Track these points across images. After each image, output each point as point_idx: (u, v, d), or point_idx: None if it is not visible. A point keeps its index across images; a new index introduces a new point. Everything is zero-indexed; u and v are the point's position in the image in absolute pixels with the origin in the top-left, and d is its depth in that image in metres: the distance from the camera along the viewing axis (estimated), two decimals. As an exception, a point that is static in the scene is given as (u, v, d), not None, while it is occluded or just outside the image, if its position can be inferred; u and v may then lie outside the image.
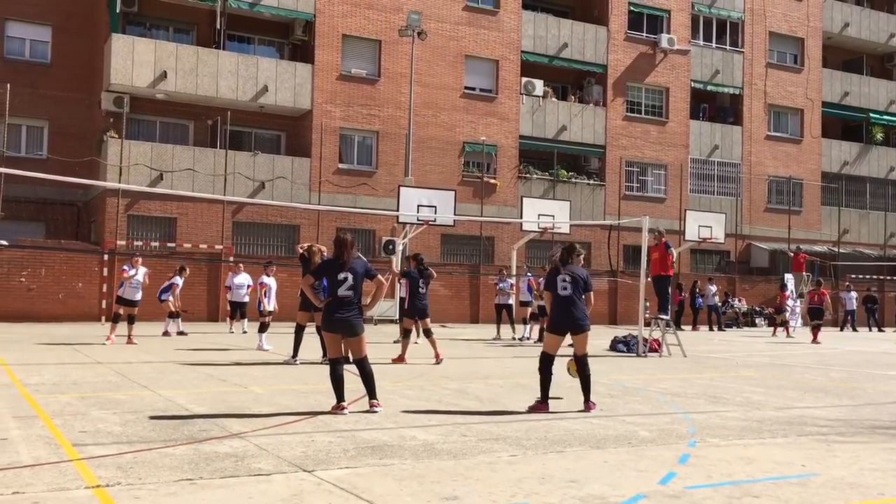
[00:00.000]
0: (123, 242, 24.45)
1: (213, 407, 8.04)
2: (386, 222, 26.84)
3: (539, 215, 23.80)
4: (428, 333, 13.65)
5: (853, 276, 34.81)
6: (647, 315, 17.48)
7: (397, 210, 21.58)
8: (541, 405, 8.21)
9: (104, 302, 23.26)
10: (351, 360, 8.13)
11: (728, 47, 35.30)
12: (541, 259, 27.77)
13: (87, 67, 28.00)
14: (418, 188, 23.15)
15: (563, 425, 7.39)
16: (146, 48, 25.69)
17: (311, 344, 13.27)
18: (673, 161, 33.64)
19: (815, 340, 21.86)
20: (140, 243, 24.90)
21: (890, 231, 38.21)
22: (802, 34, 36.85)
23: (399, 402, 8.59)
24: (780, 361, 15.49)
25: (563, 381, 9.23)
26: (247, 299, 19.85)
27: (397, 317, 20.68)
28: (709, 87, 34.93)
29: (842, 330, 30.72)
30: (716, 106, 36.05)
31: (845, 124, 39.56)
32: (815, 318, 22.58)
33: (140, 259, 16.40)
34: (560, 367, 8.56)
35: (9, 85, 24.61)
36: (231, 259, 25.10)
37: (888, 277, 36.55)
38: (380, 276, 8.34)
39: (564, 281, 8.27)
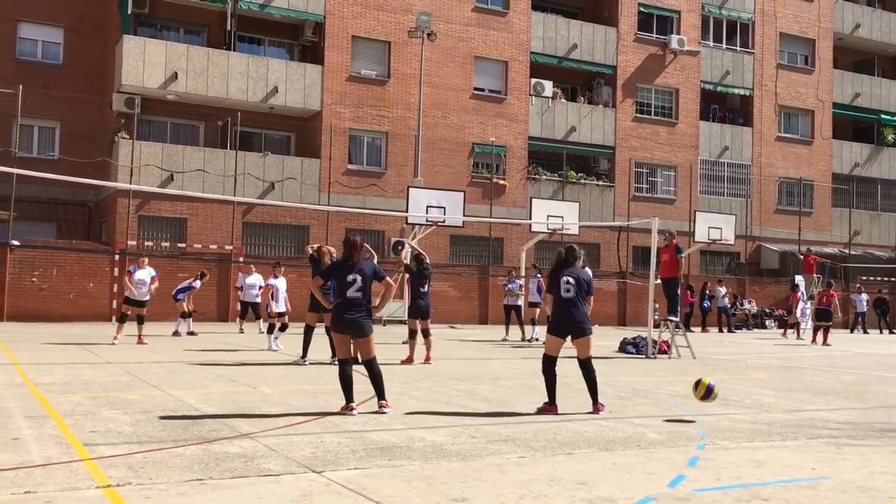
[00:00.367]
0: (134, 243, 24.56)
1: (222, 407, 8.07)
2: (395, 223, 26.88)
3: (548, 216, 23.80)
4: (426, 334, 13.66)
5: (864, 277, 34.64)
6: (656, 317, 17.43)
7: (406, 211, 21.62)
8: (549, 407, 8.20)
9: (115, 302, 23.36)
10: (360, 361, 8.15)
11: (738, 48, 35.20)
12: (550, 260, 27.72)
13: (99, 68, 28.15)
14: (427, 189, 23.18)
15: (572, 427, 7.39)
16: (157, 49, 25.80)
17: (321, 345, 13.30)
18: (683, 162, 33.56)
19: (822, 342, 21.75)
20: (150, 244, 25.02)
21: (901, 233, 38.04)
22: (813, 35, 36.71)
23: (408, 404, 8.60)
24: (790, 364, 15.43)
25: (572, 382, 9.23)
26: (258, 300, 19.92)
27: (406, 318, 20.69)
28: (719, 89, 34.82)
29: (852, 332, 30.57)
30: (726, 107, 35.94)
31: (856, 125, 39.37)
32: (822, 319, 22.48)
33: (146, 259, 16.47)
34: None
35: (21, 86, 24.74)
36: (241, 259, 25.19)
37: (899, 279, 36.37)
38: (388, 278, 8.36)
39: (568, 283, 8.22)
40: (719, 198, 34.14)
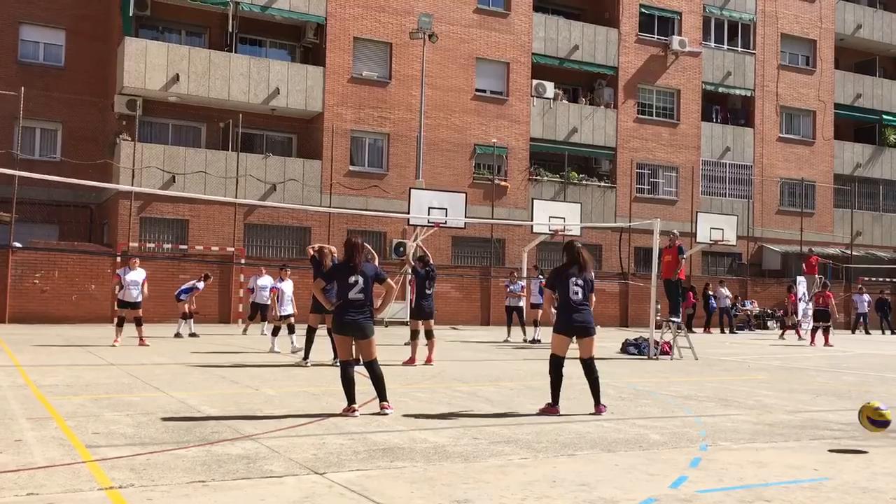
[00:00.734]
0: (136, 244, 24.59)
1: (224, 409, 8.07)
2: (397, 224, 26.89)
3: (550, 217, 23.77)
4: (429, 335, 13.65)
5: (866, 278, 34.61)
6: (658, 317, 17.43)
7: (408, 212, 21.61)
8: (551, 408, 8.20)
9: (115, 304, 23.36)
10: (361, 363, 8.16)
11: (740, 49, 35.19)
12: (552, 261, 27.75)
13: (101, 70, 28.19)
14: (429, 190, 23.16)
15: (574, 428, 7.39)
16: (159, 51, 25.83)
17: (323, 346, 13.31)
18: (684, 163, 33.56)
19: (823, 343, 21.75)
20: (152, 245, 25.05)
21: (903, 233, 38.00)
22: (815, 36, 36.69)
23: (410, 405, 8.60)
24: (791, 364, 15.42)
25: (574, 384, 9.22)
26: (269, 302, 19.96)
27: (408, 319, 20.69)
28: (720, 89, 34.82)
29: (854, 333, 30.56)
30: (727, 108, 35.93)
31: (858, 126, 39.35)
32: (820, 320, 22.47)
33: (137, 261, 16.46)
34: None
35: (23, 88, 24.80)
36: (243, 261, 25.23)
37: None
38: (389, 280, 8.37)
39: (577, 284, 8.24)
40: (721, 198, 34.12)
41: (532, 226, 25.20)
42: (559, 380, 8.23)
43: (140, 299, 15.84)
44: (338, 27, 28.15)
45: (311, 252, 13.23)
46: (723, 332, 28.38)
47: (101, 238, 27.25)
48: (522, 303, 20.93)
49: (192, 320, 19.14)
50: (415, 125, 27.95)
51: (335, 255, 12.70)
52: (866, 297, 30.76)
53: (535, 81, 31.04)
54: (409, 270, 15.91)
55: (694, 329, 26.47)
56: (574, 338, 8.28)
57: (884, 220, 37.98)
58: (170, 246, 25.35)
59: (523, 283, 21.53)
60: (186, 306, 19.03)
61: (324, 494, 4.92)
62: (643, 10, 33.09)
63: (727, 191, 34.59)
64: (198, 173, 25.73)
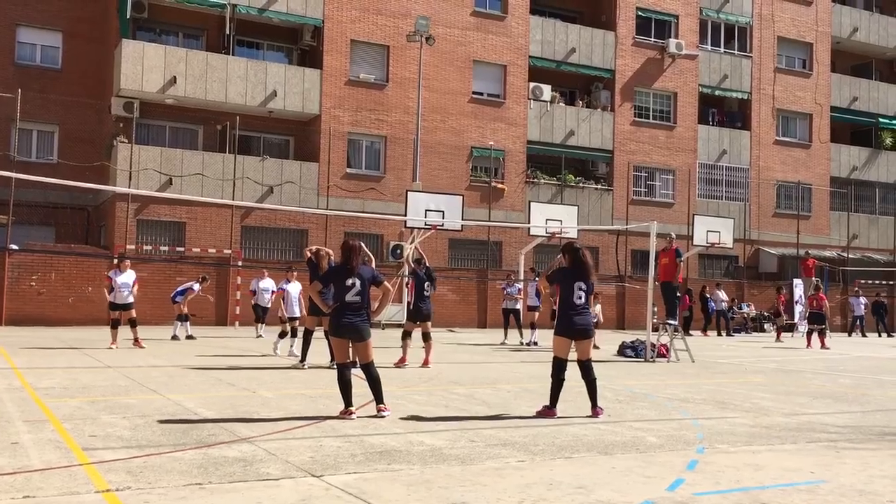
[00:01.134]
0: (133, 246, 24.56)
1: (221, 411, 8.07)
2: (394, 227, 26.90)
3: (547, 220, 23.77)
4: (426, 338, 13.65)
5: (862, 281, 34.66)
6: (655, 320, 17.44)
7: (405, 215, 21.61)
8: (549, 410, 8.22)
9: (109, 306, 23.32)
10: (358, 365, 8.16)
11: (736, 52, 35.26)
12: (549, 264, 27.74)
13: (98, 73, 28.17)
14: (426, 193, 23.17)
15: (571, 431, 7.39)
16: (156, 53, 25.83)
17: (320, 349, 13.30)
18: (681, 166, 33.61)
19: (820, 346, 21.77)
20: (149, 247, 25.02)
21: (899, 236, 38.09)
22: (811, 39, 36.78)
23: (407, 407, 8.60)
24: (788, 367, 15.44)
25: (571, 386, 9.23)
26: (269, 304, 19.92)
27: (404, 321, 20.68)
28: (717, 92, 34.87)
29: (850, 335, 30.59)
30: (724, 111, 35.99)
31: (854, 129, 39.43)
32: (815, 323, 22.49)
33: (129, 263, 16.43)
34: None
35: (20, 90, 24.76)
36: (240, 263, 25.21)
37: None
38: (386, 283, 8.37)
39: (581, 290, 8.31)
40: (717, 201, 34.17)
41: (529, 228, 25.20)
42: (560, 383, 8.26)
43: (131, 300, 15.79)
44: (335, 30, 28.16)
45: (309, 254, 13.22)
46: (719, 334, 28.40)
47: (98, 240, 27.21)
48: (519, 305, 20.93)
49: (188, 323, 19.11)
50: (412, 128, 27.97)
51: (332, 257, 12.70)
52: (862, 299, 30.80)
53: (531, 84, 31.07)
54: (407, 273, 15.90)
55: (691, 332, 26.48)
56: (573, 340, 8.33)
57: (880, 222, 38.06)
58: (167, 248, 25.32)
59: (520, 285, 21.54)
60: (182, 307, 18.98)
61: (321, 497, 4.92)
62: (640, 13, 33.14)
63: (724, 193, 34.64)
64: (195, 175, 25.71)
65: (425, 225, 21.52)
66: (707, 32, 34.84)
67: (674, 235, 17.76)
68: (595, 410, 8.26)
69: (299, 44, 28.85)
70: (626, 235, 30.69)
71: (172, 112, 27.17)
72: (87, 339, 17.76)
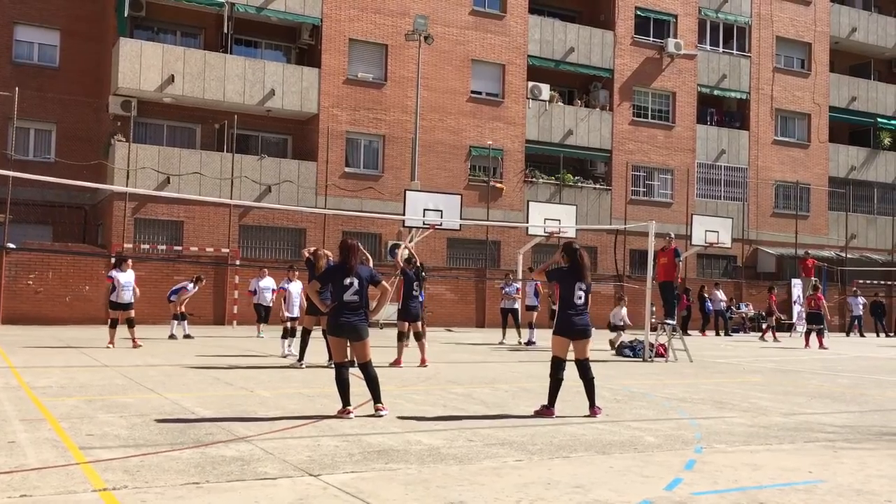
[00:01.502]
0: (130, 245, 24.52)
1: (219, 410, 8.06)
2: (392, 226, 26.87)
3: (545, 219, 23.74)
4: (418, 337, 13.64)
5: (861, 281, 34.69)
6: (653, 320, 17.44)
7: (403, 214, 21.60)
8: (547, 410, 8.22)
9: (109, 306, 23.30)
10: (356, 365, 8.15)
11: (735, 52, 35.27)
12: (545, 262, 27.72)
13: (95, 71, 28.13)
14: (424, 192, 23.15)
15: (569, 430, 7.39)
16: (154, 52, 25.79)
17: (318, 348, 13.29)
18: (679, 165, 33.61)
19: (818, 346, 21.77)
20: (147, 246, 24.99)
21: (897, 236, 38.12)
22: (810, 39, 36.79)
23: (405, 407, 8.60)
24: (786, 367, 15.45)
25: (569, 386, 9.22)
26: (272, 303, 19.88)
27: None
28: (716, 92, 34.87)
29: (848, 335, 30.61)
30: (723, 110, 36.00)
31: (853, 129, 39.46)
32: (813, 323, 22.50)
33: (130, 262, 16.42)
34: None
35: (17, 88, 24.72)
36: (238, 262, 25.18)
37: (896, 283, 36.43)
38: (384, 282, 8.37)
39: (581, 290, 8.34)
40: (716, 201, 34.18)
41: (527, 228, 25.19)
42: (559, 382, 8.26)
43: (132, 300, 15.80)
44: (333, 28, 28.14)
45: (307, 254, 13.22)
46: (717, 334, 28.42)
47: (96, 239, 27.17)
48: (518, 305, 20.93)
49: (185, 322, 19.09)
50: (410, 127, 27.94)
51: (331, 257, 12.68)
52: (861, 299, 30.82)
53: (530, 83, 31.06)
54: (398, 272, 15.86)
55: (689, 331, 26.48)
56: (571, 340, 8.34)
57: (878, 222, 38.09)
58: (164, 247, 25.29)
59: (518, 285, 21.53)
60: (176, 307, 18.94)
61: (318, 496, 4.91)
62: (639, 13, 33.14)
63: (722, 193, 34.65)
64: (193, 174, 25.69)
65: (423, 224, 21.50)
66: (706, 32, 34.84)
67: (672, 235, 17.75)
68: (593, 410, 8.26)
69: (297, 42, 28.83)
70: (624, 235, 30.68)
71: (170, 111, 27.13)
72: (85, 338, 17.74)
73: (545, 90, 31.32)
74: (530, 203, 25.82)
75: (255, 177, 26.53)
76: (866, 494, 5.27)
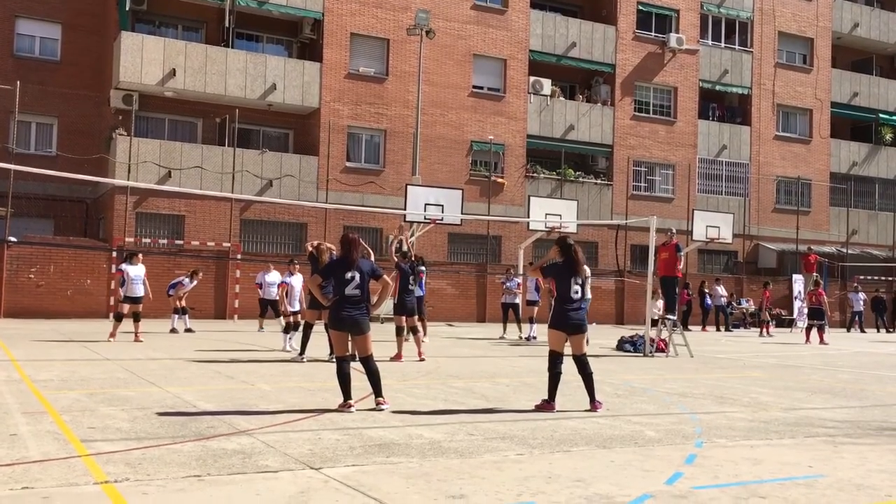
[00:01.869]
0: (132, 239, 24.54)
1: (220, 404, 8.07)
2: (393, 221, 26.86)
3: (546, 214, 23.77)
4: (414, 331, 13.66)
5: (861, 277, 34.69)
6: (655, 310, 17.44)
7: (405, 209, 21.60)
8: (547, 404, 8.23)
9: (112, 299, 23.34)
10: (357, 358, 8.16)
11: (737, 47, 35.21)
12: (541, 257, 27.72)
13: (97, 65, 28.12)
14: (426, 187, 23.15)
15: (570, 425, 7.40)
16: (155, 46, 25.77)
17: (319, 342, 13.30)
18: (681, 161, 33.58)
19: (819, 341, 21.78)
20: (148, 240, 25.00)
21: (899, 232, 38.10)
22: (812, 34, 36.73)
23: (406, 401, 8.61)
24: (787, 362, 15.45)
25: (570, 381, 9.23)
26: (278, 297, 19.89)
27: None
28: (717, 87, 34.84)
29: (849, 331, 30.62)
30: (724, 106, 35.96)
31: (854, 125, 39.41)
32: (814, 318, 22.50)
33: (140, 256, 16.46)
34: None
35: (18, 82, 24.73)
36: (239, 256, 25.19)
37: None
38: (385, 277, 8.37)
39: (577, 283, 8.35)
40: (717, 196, 34.17)
41: (528, 223, 25.20)
42: (556, 376, 8.27)
43: (142, 294, 15.87)
44: (335, 23, 28.11)
45: (310, 249, 13.23)
46: (718, 329, 28.43)
47: (97, 233, 27.18)
48: (518, 300, 20.93)
49: (187, 316, 19.11)
50: (411, 121, 27.93)
51: (333, 251, 12.69)
52: (862, 295, 30.83)
53: (532, 78, 31.02)
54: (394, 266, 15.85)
55: (690, 327, 26.49)
56: (567, 334, 8.35)
57: (879, 218, 38.06)
58: (165, 241, 25.30)
59: (519, 279, 21.54)
60: (178, 301, 18.97)
61: (319, 489, 4.92)
62: (640, 8, 33.09)
63: (723, 189, 34.63)
64: (194, 168, 25.69)
65: (424, 219, 21.50)
66: (708, 27, 34.78)
67: (674, 230, 17.75)
68: (594, 404, 8.28)
69: (299, 37, 28.79)
70: (625, 230, 30.69)
71: (171, 105, 27.12)
72: (86, 332, 17.76)
73: (546, 85, 31.28)
74: (531, 198, 25.85)
75: (256, 171, 26.53)
76: (866, 489, 5.28)
